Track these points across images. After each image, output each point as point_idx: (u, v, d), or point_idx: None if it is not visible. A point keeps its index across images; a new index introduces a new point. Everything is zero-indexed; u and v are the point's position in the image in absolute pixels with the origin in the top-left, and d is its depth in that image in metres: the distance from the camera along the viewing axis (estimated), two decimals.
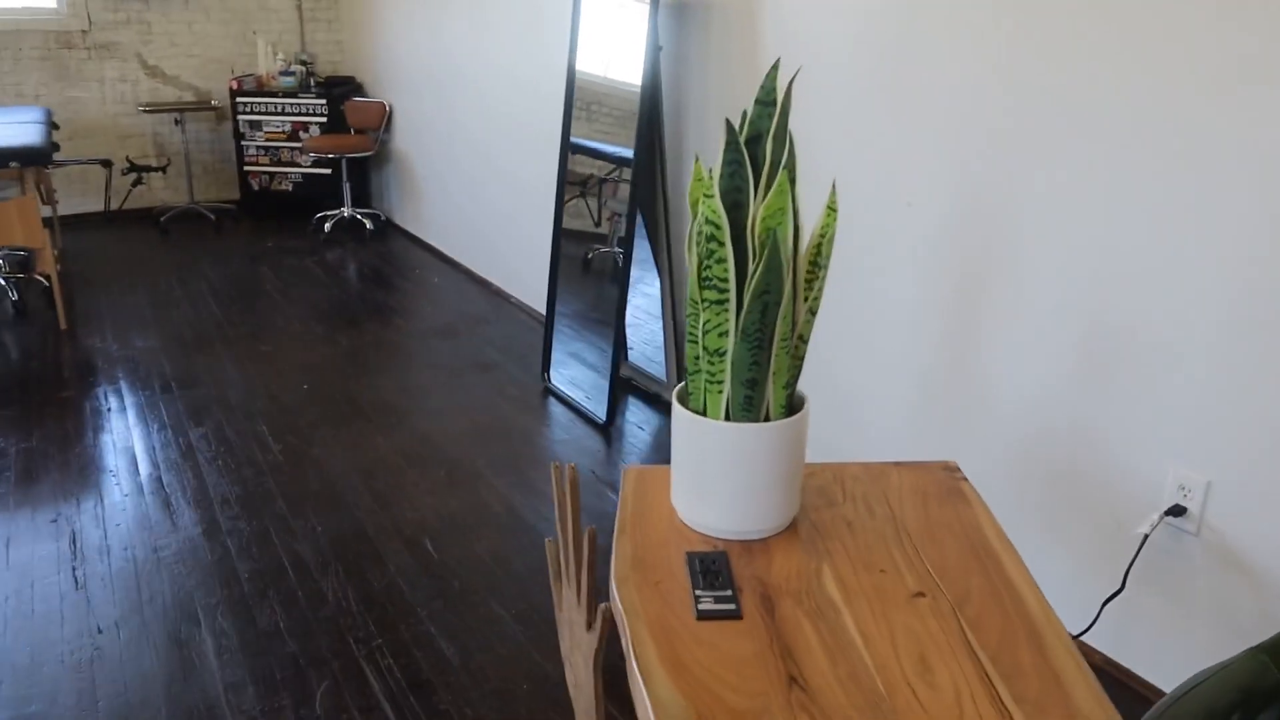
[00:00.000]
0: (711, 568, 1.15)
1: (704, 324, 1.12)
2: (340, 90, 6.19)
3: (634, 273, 3.67)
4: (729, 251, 1.08)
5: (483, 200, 5.06)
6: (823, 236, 1.13)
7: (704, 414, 1.18)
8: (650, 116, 3.34)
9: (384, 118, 6.01)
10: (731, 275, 1.09)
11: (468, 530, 2.87)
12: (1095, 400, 2.16)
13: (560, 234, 3.88)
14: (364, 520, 2.91)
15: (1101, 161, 2.06)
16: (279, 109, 6.11)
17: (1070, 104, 2.10)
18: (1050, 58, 2.13)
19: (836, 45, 2.67)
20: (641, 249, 3.65)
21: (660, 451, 3.40)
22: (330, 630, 2.41)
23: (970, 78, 2.31)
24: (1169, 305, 1.98)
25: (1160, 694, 2.14)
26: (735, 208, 1.09)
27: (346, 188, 6.13)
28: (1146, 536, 2.09)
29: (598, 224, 3.75)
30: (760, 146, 1.10)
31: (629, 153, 3.44)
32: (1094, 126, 2.06)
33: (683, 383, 1.24)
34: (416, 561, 2.71)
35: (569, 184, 3.85)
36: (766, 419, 1.17)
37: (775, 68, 1.09)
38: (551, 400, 3.80)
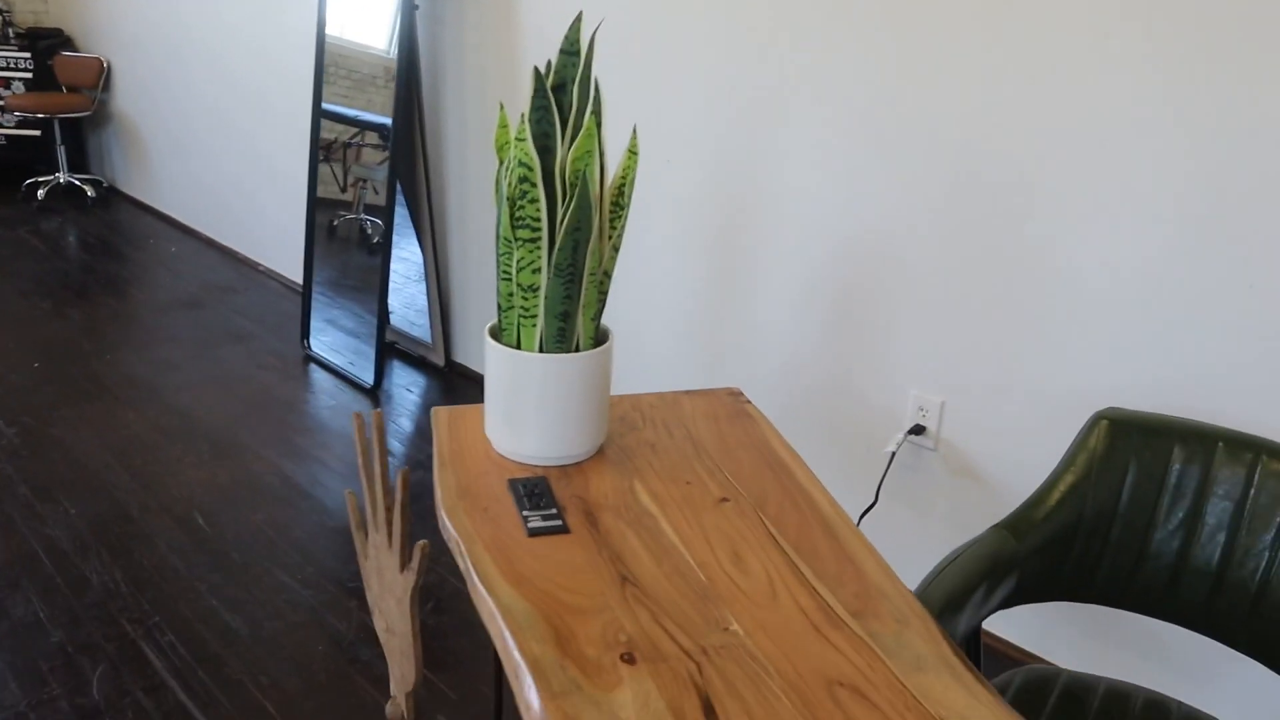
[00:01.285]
0: (534, 491, 1.22)
1: (518, 261, 1.18)
2: (47, 43, 5.64)
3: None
4: (541, 192, 1.14)
5: (223, 165, 4.80)
6: (624, 178, 1.22)
7: (518, 347, 1.24)
8: (408, 79, 3.30)
9: (101, 75, 5.54)
10: (544, 214, 1.15)
11: (241, 502, 2.77)
12: (843, 334, 2.39)
13: (315, 200, 3.76)
14: (124, 500, 2.75)
15: (837, 121, 2.27)
16: None
17: (812, 76, 2.29)
18: (798, 29, 2.31)
19: (591, 7, 2.76)
20: (397, 214, 3.62)
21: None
22: (99, 615, 2.28)
23: (725, 45, 2.47)
24: (902, 245, 2.22)
25: None
26: (544, 151, 1.16)
27: (61, 151, 5.62)
28: (894, 454, 2.35)
29: (343, 189, 3.67)
30: (566, 94, 1.16)
31: (384, 119, 3.39)
32: (830, 93, 2.26)
33: (493, 321, 1.30)
34: (189, 537, 2.60)
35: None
36: (577, 349, 1.25)
37: (578, 20, 1.16)
38: (314, 367, 3.71)
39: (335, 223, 3.73)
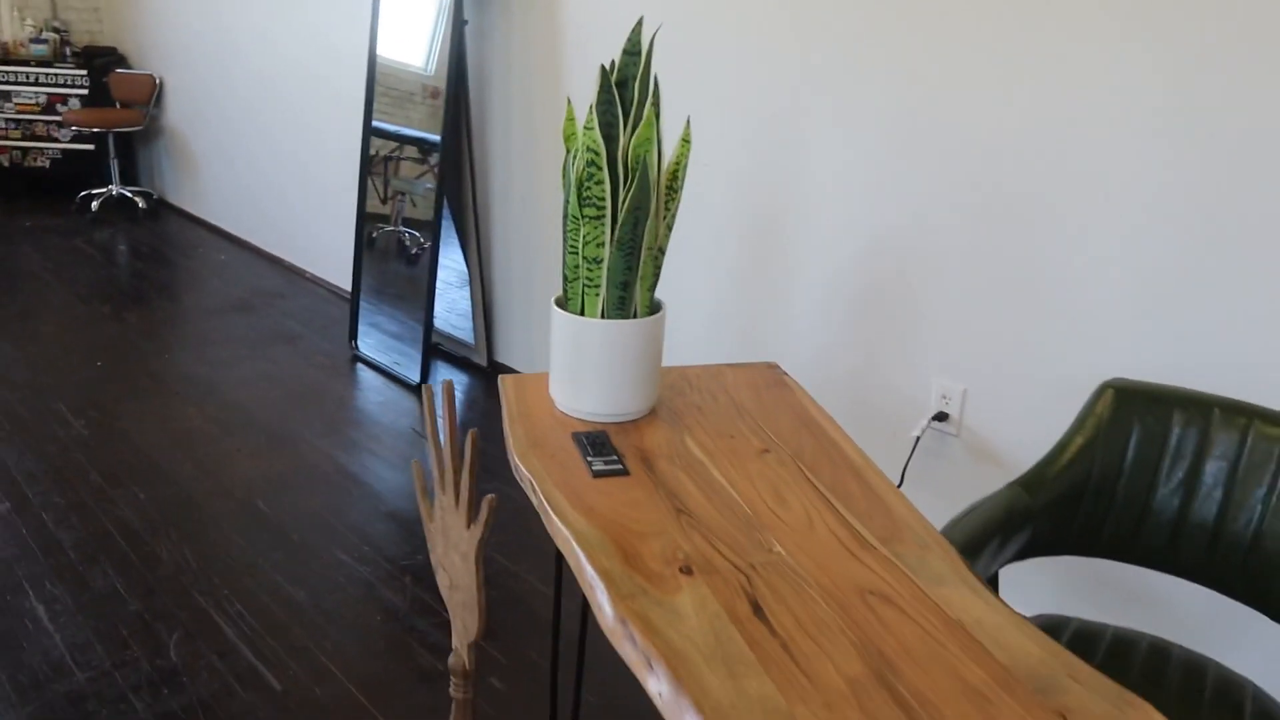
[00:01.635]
0: (596, 441, 1.37)
1: (584, 236, 1.34)
2: (102, 61, 5.89)
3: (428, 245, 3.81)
4: (606, 175, 1.30)
5: (270, 177, 5.01)
6: (678, 163, 1.37)
7: (582, 315, 1.40)
8: (457, 93, 3.48)
9: (154, 91, 5.78)
10: (609, 194, 1.31)
11: (298, 488, 2.94)
12: (871, 323, 2.53)
13: (364, 212, 3.95)
14: (188, 486, 2.92)
15: (865, 120, 2.42)
16: (31, 79, 5.74)
17: (841, 78, 2.45)
18: (827, 36, 2.46)
19: (637, 15, 2.93)
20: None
21: (474, 409, 3.57)
22: (172, 587, 2.45)
23: (760, 50, 2.63)
24: (927, 239, 2.36)
25: None
26: (608, 140, 1.31)
27: (114, 165, 5.85)
28: (918, 439, 2.48)
29: (384, 201, 3.85)
30: (628, 89, 1.32)
31: (429, 134, 3.57)
32: (857, 93, 2.42)
33: (559, 293, 1.45)
34: (251, 519, 2.76)
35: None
36: (634, 316, 1.40)
37: (639, 25, 1.32)
38: (361, 367, 3.88)
39: (375, 234, 3.92)
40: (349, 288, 4.59)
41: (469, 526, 1.53)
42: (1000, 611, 1.06)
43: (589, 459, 1.32)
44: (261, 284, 4.82)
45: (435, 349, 4.08)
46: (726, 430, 1.45)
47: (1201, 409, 1.50)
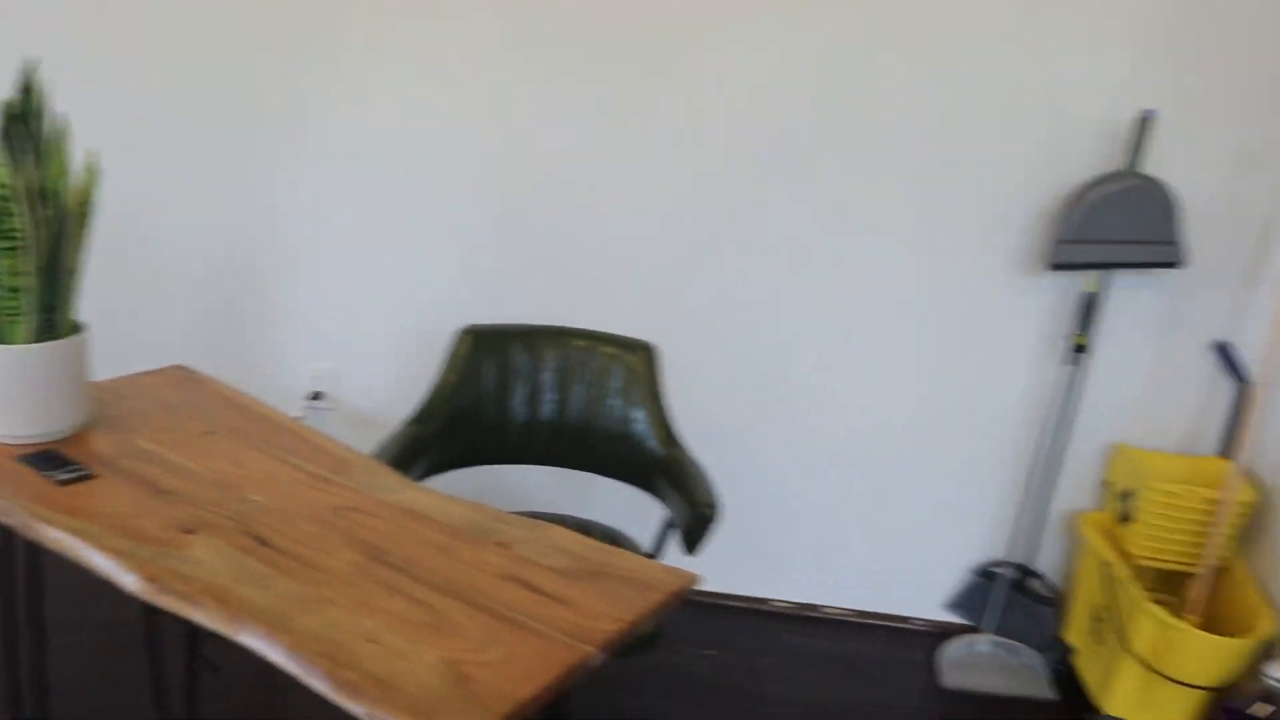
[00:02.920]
0: (49, 457, 1.46)
1: (4, 268, 1.42)
2: None
3: None
4: (24, 207, 1.40)
5: None
6: (86, 192, 1.51)
7: (5, 343, 1.47)
8: None
9: None
10: (28, 226, 1.41)
11: None
12: (241, 327, 2.75)
13: None
14: None
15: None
16: None
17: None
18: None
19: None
20: None
21: None
22: None
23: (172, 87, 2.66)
24: (285, 248, 2.66)
25: None
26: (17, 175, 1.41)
27: None
28: (301, 420, 2.78)
29: None
30: (30, 125, 1.42)
31: None
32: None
33: None
34: None
35: None
36: (61, 337, 1.52)
37: (31, 63, 1.42)
38: None
39: None
40: None
41: None
42: (437, 496, 1.46)
43: (47, 473, 1.43)
44: None
45: None
46: (166, 424, 1.63)
47: (531, 337, 2.06)
